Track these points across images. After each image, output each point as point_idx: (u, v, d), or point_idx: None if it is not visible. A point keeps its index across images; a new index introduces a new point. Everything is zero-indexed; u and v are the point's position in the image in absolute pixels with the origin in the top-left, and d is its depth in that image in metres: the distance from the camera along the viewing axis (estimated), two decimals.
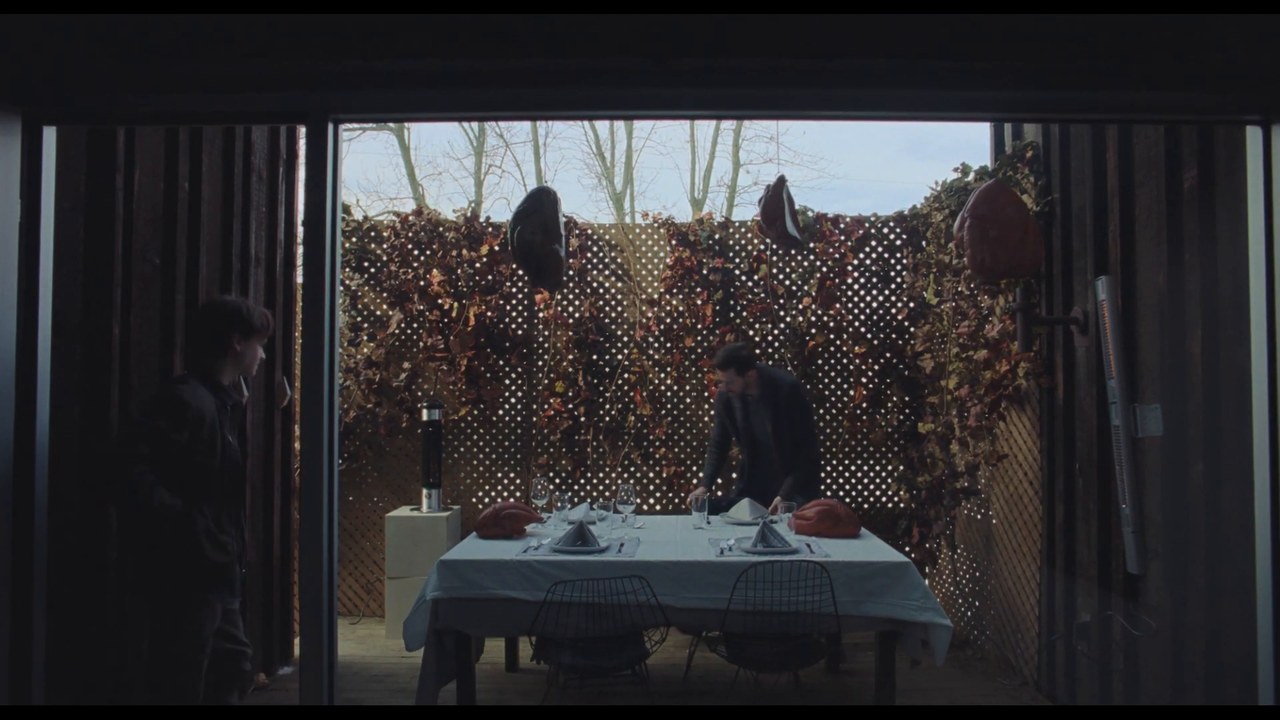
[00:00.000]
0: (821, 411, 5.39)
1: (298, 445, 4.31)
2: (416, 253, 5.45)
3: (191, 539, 2.52)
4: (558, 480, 5.41)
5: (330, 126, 2.31)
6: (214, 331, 2.69)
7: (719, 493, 4.93)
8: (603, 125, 14.06)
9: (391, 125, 13.59)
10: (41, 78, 2.23)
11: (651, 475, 5.44)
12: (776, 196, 4.00)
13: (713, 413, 4.98)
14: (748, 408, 4.58)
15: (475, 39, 2.21)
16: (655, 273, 5.50)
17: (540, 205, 3.55)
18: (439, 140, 25.46)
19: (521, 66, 2.28)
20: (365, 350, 5.38)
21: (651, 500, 5.43)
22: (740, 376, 4.42)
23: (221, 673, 2.72)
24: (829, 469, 5.40)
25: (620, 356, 5.46)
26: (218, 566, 2.59)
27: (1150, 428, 3.01)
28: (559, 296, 5.45)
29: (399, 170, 19.29)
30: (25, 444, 2.23)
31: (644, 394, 5.38)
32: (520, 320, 5.50)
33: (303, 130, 3.54)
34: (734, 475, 4.92)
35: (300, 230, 4.17)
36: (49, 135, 2.31)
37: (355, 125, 13.26)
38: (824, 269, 5.37)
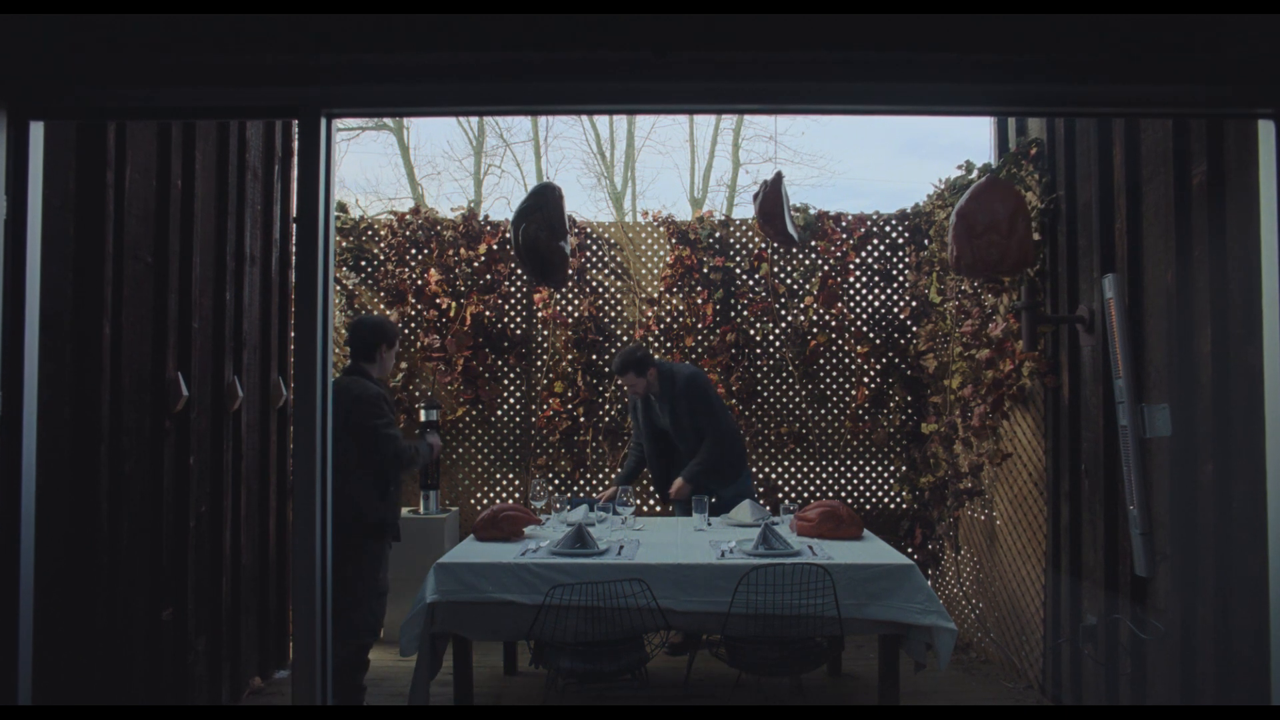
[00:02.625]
0: (823, 411, 5.34)
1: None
2: (414, 251, 5.41)
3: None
4: (557, 481, 5.36)
5: (323, 122, 2.27)
6: (365, 341, 3.49)
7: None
8: (603, 125, 14.03)
9: (390, 125, 13.55)
10: (28, 72, 2.19)
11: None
12: (775, 192, 3.94)
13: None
14: (649, 405, 4.53)
15: (472, 32, 2.16)
16: (655, 271, 5.45)
17: (544, 201, 3.49)
18: (438, 140, 25.46)
19: (520, 60, 2.23)
20: None
21: (651, 501, 5.38)
22: (641, 377, 4.37)
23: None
24: (831, 469, 5.35)
25: None
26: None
27: (1158, 428, 2.96)
28: (558, 295, 5.41)
29: (398, 170, 19.26)
30: (12, 444, 2.19)
31: None
32: (519, 320, 5.45)
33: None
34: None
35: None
36: (36, 130, 2.26)
37: (354, 125, 13.24)
38: (826, 267, 5.32)
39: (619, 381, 4.59)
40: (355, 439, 3.30)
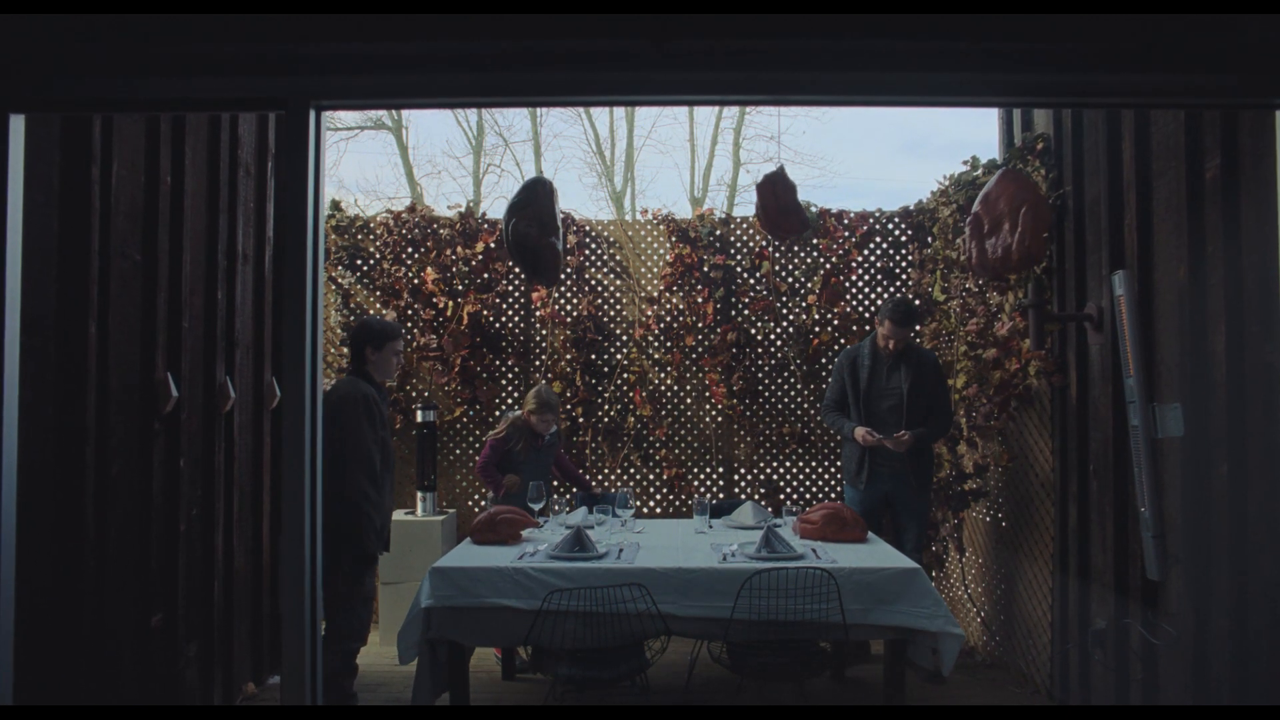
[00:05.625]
0: None
1: None
2: (410, 250, 5.34)
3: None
4: (555, 483, 5.28)
5: (311, 114, 2.20)
6: (351, 343, 3.48)
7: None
8: (603, 124, 13.97)
9: (389, 124, 13.49)
10: (7, 63, 2.12)
11: (651, 477, 5.32)
12: (786, 182, 3.84)
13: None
14: (876, 366, 4.26)
15: (465, 20, 2.10)
16: (655, 270, 5.38)
17: (535, 197, 3.41)
18: (438, 139, 25.33)
19: (515, 49, 2.17)
20: None
21: (652, 503, 5.31)
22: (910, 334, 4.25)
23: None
24: (834, 470, 5.28)
25: (619, 356, 5.34)
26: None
27: (1170, 428, 2.89)
28: (556, 294, 5.34)
29: (397, 170, 19.14)
30: None
31: (643, 394, 5.27)
32: (517, 319, 5.38)
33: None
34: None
35: None
36: (17, 123, 2.20)
37: (353, 124, 13.18)
38: (828, 265, 5.26)
39: (885, 330, 4.19)
40: (335, 439, 3.24)
